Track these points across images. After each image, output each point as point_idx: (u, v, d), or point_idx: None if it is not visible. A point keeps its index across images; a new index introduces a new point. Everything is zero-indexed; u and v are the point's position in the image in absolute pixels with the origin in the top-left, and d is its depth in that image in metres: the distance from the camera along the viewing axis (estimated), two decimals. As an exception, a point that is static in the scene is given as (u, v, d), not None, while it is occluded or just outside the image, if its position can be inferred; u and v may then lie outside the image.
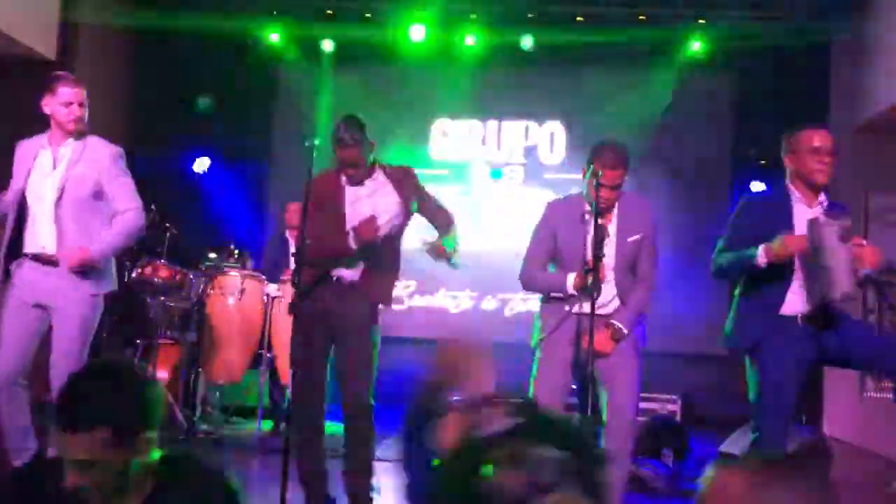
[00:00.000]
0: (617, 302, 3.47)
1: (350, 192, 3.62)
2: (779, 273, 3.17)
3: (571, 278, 3.36)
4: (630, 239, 3.44)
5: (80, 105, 3.65)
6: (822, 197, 3.29)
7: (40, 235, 3.62)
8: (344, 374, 3.59)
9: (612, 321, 3.40)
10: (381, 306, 3.66)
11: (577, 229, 3.45)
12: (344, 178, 3.61)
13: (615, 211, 3.45)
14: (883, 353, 3.26)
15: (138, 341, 5.63)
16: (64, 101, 3.62)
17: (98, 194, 3.66)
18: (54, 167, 3.65)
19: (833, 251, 3.01)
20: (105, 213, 3.70)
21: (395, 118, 7.56)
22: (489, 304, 8.05)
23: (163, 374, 5.42)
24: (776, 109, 7.61)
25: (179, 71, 7.70)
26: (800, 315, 3.21)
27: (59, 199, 3.59)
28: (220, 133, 7.51)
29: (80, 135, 3.69)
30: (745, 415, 5.76)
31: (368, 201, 3.59)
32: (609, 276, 3.40)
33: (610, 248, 3.39)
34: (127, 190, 3.71)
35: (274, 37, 7.88)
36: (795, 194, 3.27)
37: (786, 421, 3.26)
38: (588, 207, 3.46)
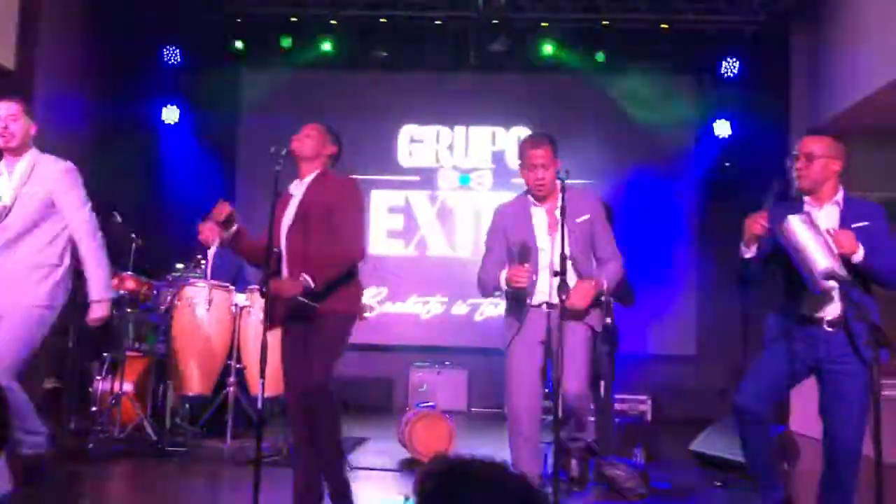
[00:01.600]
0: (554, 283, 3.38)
1: (294, 189, 3.58)
2: (799, 280, 3.16)
3: (504, 273, 3.49)
4: (578, 220, 3.53)
5: (10, 117, 3.69)
6: (840, 197, 3.26)
7: None
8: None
9: (595, 276, 3.54)
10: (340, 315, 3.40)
11: (523, 222, 3.59)
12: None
13: (560, 200, 3.43)
14: (834, 440, 3.20)
15: (105, 354, 5.55)
16: None
17: (49, 207, 3.72)
18: (10, 180, 3.73)
19: (802, 239, 3.04)
20: (59, 224, 3.75)
21: (364, 125, 7.55)
22: (460, 308, 8.05)
23: (130, 388, 5.35)
24: (737, 112, 7.74)
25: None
26: (802, 316, 3.23)
27: (8, 213, 3.67)
28: (186, 147, 7.43)
29: (12, 150, 3.72)
30: (714, 415, 5.85)
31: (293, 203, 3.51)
32: (544, 262, 3.49)
33: (550, 237, 3.50)
34: (75, 201, 3.76)
35: (238, 43, 7.89)
36: (807, 198, 3.31)
37: (760, 391, 3.25)
38: (531, 198, 3.61)
